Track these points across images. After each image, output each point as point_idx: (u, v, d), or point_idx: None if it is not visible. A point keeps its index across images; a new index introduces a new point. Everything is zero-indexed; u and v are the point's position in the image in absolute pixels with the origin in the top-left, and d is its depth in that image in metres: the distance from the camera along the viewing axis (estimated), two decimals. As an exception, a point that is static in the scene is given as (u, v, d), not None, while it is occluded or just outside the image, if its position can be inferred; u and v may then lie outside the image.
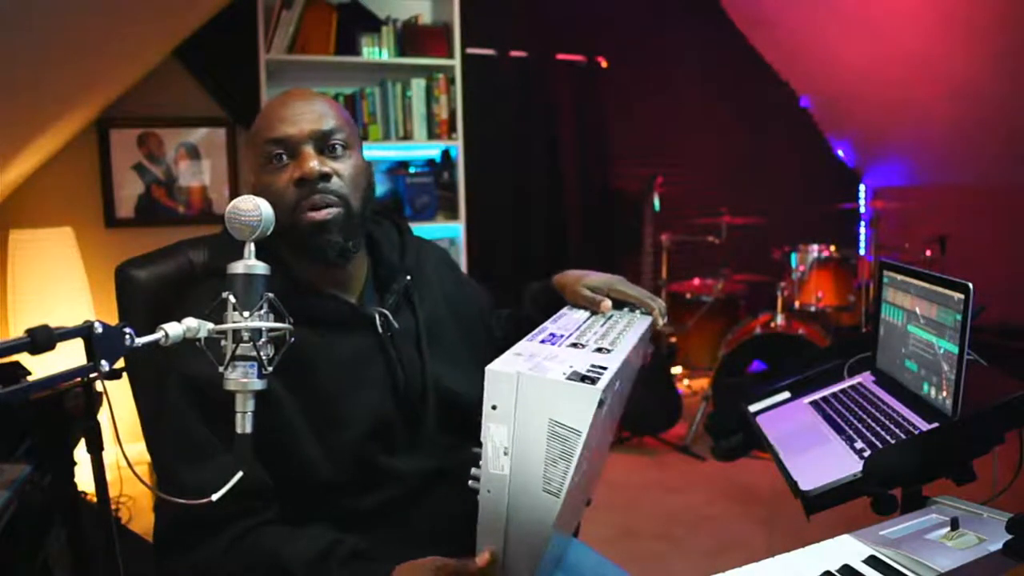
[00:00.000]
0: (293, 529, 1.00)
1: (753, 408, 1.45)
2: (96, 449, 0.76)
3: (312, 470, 1.03)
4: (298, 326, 0.92)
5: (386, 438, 1.09)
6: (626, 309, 1.24)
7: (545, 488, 0.87)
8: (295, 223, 1.04)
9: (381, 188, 3.52)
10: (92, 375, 0.72)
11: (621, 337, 1.04)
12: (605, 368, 0.87)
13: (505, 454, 0.88)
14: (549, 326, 1.06)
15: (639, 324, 1.15)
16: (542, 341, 0.98)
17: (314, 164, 1.04)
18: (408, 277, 1.18)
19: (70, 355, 0.73)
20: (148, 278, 1.21)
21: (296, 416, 1.03)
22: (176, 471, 0.98)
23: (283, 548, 0.95)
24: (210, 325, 0.80)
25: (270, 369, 0.82)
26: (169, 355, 0.87)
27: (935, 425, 1.12)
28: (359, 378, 1.08)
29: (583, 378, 0.83)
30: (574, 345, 0.97)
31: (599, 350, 0.96)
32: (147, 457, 1.19)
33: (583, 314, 1.16)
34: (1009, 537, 0.81)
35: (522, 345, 0.95)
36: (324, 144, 1.07)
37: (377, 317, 1.11)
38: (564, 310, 1.19)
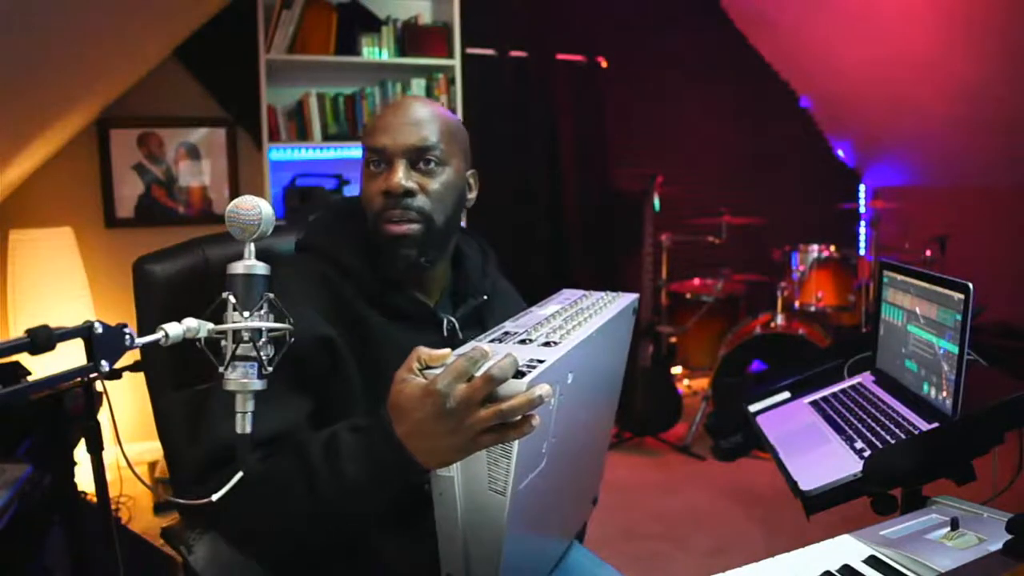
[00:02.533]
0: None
1: (753, 408, 1.45)
2: (96, 449, 0.76)
3: None
4: (379, 316, 1.08)
5: None
6: (602, 294, 1.21)
7: (491, 487, 0.86)
8: (377, 230, 1.11)
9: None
10: (92, 375, 0.72)
11: (579, 328, 1.00)
12: (542, 361, 0.84)
13: None
14: (507, 325, 1.03)
15: (609, 309, 1.11)
16: (491, 340, 0.95)
17: (400, 179, 1.08)
18: (485, 297, 1.24)
19: (70, 355, 0.73)
20: (165, 273, 1.24)
21: (359, 397, 1.08)
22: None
23: (304, 438, 0.97)
24: (210, 325, 0.80)
25: (270, 369, 0.82)
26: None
27: (935, 425, 1.12)
28: None
29: (515, 374, 0.81)
30: (522, 342, 0.94)
31: (546, 344, 0.92)
32: (147, 457, 1.20)
33: (551, 308, 1.12)
34: (1009, 537, 0.81)
35: (468, 346, 0.92)
36: (419, 158, 1.10)
37: (445, 322, 1.16)
38: (532, 307, 1.15)
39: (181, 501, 0.84)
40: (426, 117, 1.11)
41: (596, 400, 1.17)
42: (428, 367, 0.86)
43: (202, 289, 1.25)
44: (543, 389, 0.79)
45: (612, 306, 1.13)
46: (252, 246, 0.84)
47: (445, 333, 1.16)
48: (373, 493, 0.89)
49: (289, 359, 0.85)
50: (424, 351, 0.87)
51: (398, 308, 1.13)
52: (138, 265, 1.24)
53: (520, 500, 0.88)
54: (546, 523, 1.12)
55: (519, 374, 0.81)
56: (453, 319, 1.17)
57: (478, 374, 0.80)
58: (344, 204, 1.23)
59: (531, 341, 0.94)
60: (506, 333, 0.99)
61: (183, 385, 1.23)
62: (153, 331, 0.75)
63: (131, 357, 0.91)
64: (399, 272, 1.12)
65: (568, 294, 1.24)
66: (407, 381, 0.85)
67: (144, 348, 0.75)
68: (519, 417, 0.80)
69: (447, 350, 0.87)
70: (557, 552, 1.24)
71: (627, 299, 1.19)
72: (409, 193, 1.09)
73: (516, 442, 0.83)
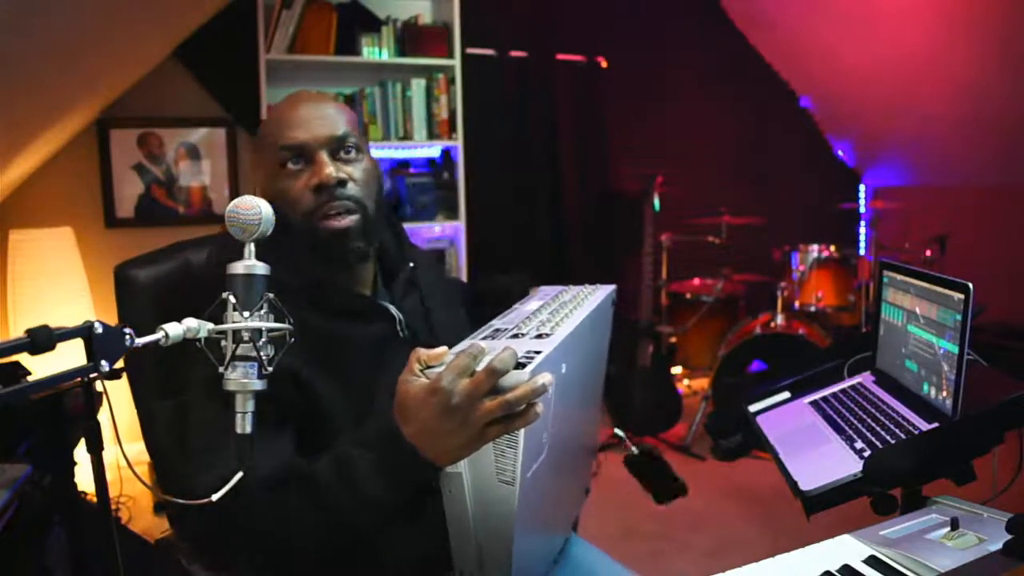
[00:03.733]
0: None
1: (753, 408, 1.45)
2: (96, 449, 0.76)
3: None
4: (326, 321, 1.03)
5: None
6: (580, 287, 1.24)
7: (500, 479, 0.87)
8: (313, 229, 1.06)
9: (381, 188, 3.52)
10: (92, 375, 0.72)
11: (566, 319, 1.03)
12: (539, 352, 0.87)
13: None
14: (495, 323, 1.05)
15: (590, 301, 1.15)
16: (483, 338, 0.97)
17: (331, 171, 1.05)
18: (411, 264, 1.23)
19: (70, 355, 0.73)
20: (148, 278, 1.22)
21: (335, 405, 1.05)
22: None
23: (306, 464, 0.95)
24: (210, 325, 0.80)
25: (270, 369, 0.82)
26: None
27: (935, 425, 1.12)
28: (384, 364, 1.11)
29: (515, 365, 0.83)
30: (514, 336, 0.96)
31: (539, 336, 0.95)
32: (147, 457, 1.19)
33: (534, 304, 1.14)
34: (1009, 537, 0.81)
35: (465, 343, 0.94)
36: (338, 149, 1.08)
37: (394, 314, 1.15)
38: (516, 305, 1.17)
39: (180, 501, 0.84)
40: (332, 109, 1.10)
41: (586, 389, 1.19)
42: (429, 367, 0.86)
43: (186, 294, 1.22)
44: (545, 378, 0.81)
45: (593, 297, 1.17)
46: (252, 246, 0.84)
47: (395, 318, 1.15)
48: (391, 501, 0.89)
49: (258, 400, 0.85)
50: (423, 352, 0.87)
51: (344, 307, 1.10)
52: (120, 271, 1.21)
53: (528, 489, 0.90)
54: (549, 514, 1.13)
55: (519, 365, 0.83)
56: (395, 308, 1.15)
57: (479, 368, 0.82)
58: None
59: (523, 335, 0.96)
60: (496, 330, 1.00)
61: (169, 393, 1.20)
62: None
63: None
64: (349, 265, 1.10)
65: (547, 290, 1.27)
66: (410, 383, 0.85)
67: (129, 354, 0.74)
68: (523, 407, 0.81)
69: (444, 348, 0.88)
70: (558, 543, 1.25)
71: (605, 290, 1.24)
72: (342, 183, 1.06)
73: (522, 432, 0.84)
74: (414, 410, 0.84)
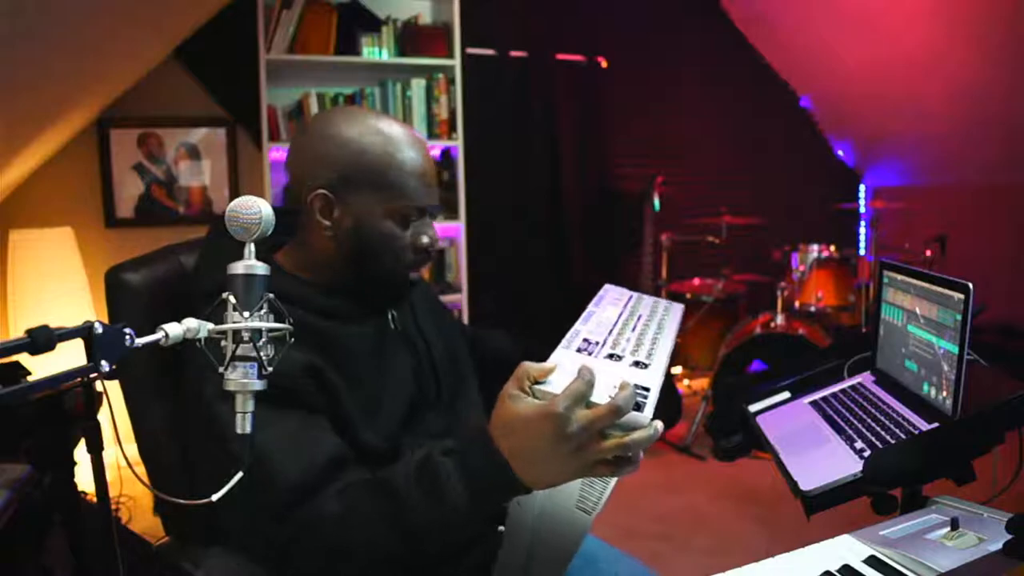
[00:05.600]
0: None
1: (753, 408, 1.45)
2: (96, 449, 0.76)
3: (368, 455, 1.05)
4: (320, 320, 1.06)
5: (415, 418, 1.14)
6: (651, 300, 1.21)
7: (579, 506, 0.87)
8: (395, 273, 1.12)
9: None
10: (92, 375, 0.72)
11: (656, 346, 1.00)
12: (648, 390, 0.84)
13: None
14: (581, 328, 1.02)
15: (670, 324, 1.11)
16: (578, 350, 0.94)
17: (436, 236, 1.15)
18: None
19: (70, 355, 0.73)
20: (140, 282, 1.20)
21: (347, 397, 1.06)
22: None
23: (382, 474, 0.94)
24: (210, 325, 0.80)
25: (270, 369, 0.82)
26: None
27: (935, 425, 1.12)
28: (387, 365, 1.14)
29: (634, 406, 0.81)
30: (610, 356, 0.93)
31: (635, 363, 0.92)
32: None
33: (611, 312, 1.12)
34: (1009, 537, 0.81)
35: (559, 353, 0.91)
36: (437, 213, 1.16)
37: (389, 313, 1.19)
38: (591, 306, 1.14)
39: (180, 501, 0.84)
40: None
41: None
42: (537, 382, 0.84)
43: (179, 297, 1.22)
44: (660, 425, 0.79)
45: (672, 319, 1.14)
46: (252, 246, 0.84)
47: (390, 319, 1.19)
48: (473, 515, 0.86)
49: (285, 393, 0.86)
50: (531, 366, 0.85)
51: (347, 311, 1.12)
52: (111, 274, 1.20)
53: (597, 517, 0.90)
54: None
55: (636, 408, 0.80)
56: (391, 311, 1.20)
57: (595, 399, 0.80)
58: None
59: (619, 357, 0.92)
60: (586, 341, 0.97)
61: (165, 396, 1.20)
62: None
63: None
64: (399, 303, 1.18)
65: (615, 292, 1.23)
66: (518, 399, 0.82)
67: (124, 358, 0.74)
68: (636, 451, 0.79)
69: (553, 364, 0.85)
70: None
71: (679, 310, 1.21)
72: (436, 247, 1.15)
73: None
74: (520, 430, 0.81)
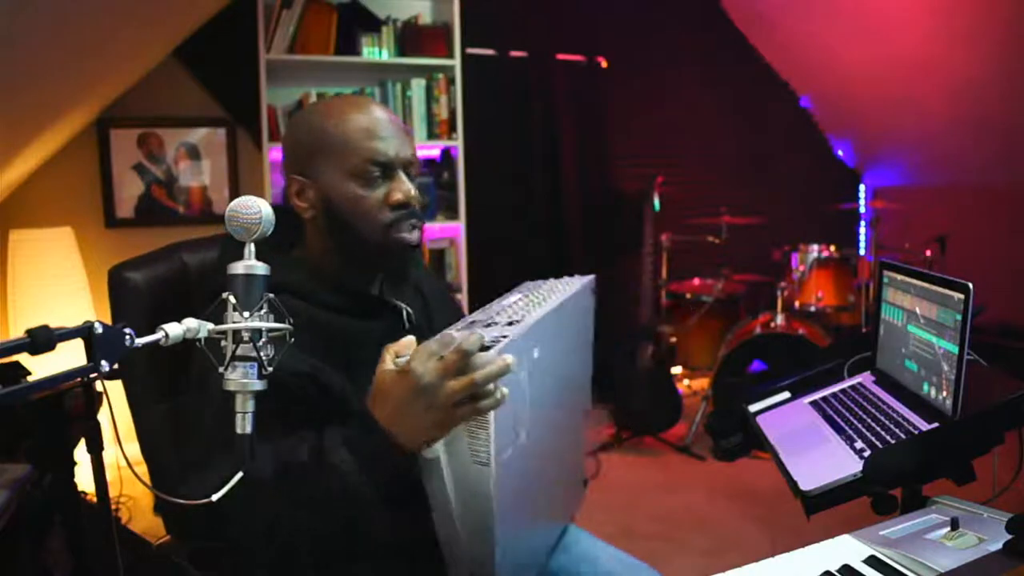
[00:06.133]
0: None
1: (753, 408, 1.45)
2: (96, 449, 0.76)
3: None
4: (333, 316, 1.08)
5: None
6: (564, 279, 1.26)
7: (475, 460, 0.90)
8: (385, 241, 1.11)
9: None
10: (92, 375, 0.72)
11: (537, 307, 1.07)
12: (505, 337, 0.91)
13: None
14: (471, 316, 1.08)
15: (566, 290, 1.18)
16: (458, 330, 0.99)
17: (412, 190, 1.12)
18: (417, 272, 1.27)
19: (70, 355, 0.73)
20: (143, 280, 1.21)
21: (350, 397, 1.06)
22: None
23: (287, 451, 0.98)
24: (210, 325, 0.80)
25: (270, 369, 0.82)
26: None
27: (935, 425, 1.12)
28: None
29: (481, 349, 0.87)
30: (487, 325, 0.99)
31: (509, 323, 0.99)
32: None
33: (513, 297, 1.17)
34: (1009, 537, 0.81)
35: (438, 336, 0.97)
36: (410, 169, 1.14)
37: (403, 310, 1.19)
38: (494, 301, 1.19)
39: (180, 501, 0.84)
40: (406, 128, 1.15)
41: (569, 376, 1.21)
42: (399, 356, 0.92)
43: (181, 295, 1.23)
44: (509, 358, 0.86)
45: (569, 286, 1.21)
46: (252, 246, 0.84)
47: (405, 316, 1.19)
48: (363, 481, 0.91)
49: (277, 401, 0.87)
50: (393, 345, 0.93)
51: (362, 308, 1.13)
52: (114, 273, 1.20)
53: (506, 472, 0.92)
54: (538, 500, 1.14)
55: (485, 349, 0.87)
56: (405, 305, 1.20)
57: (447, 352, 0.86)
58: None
59: (496, 323, 1.00)
60: (472, 322, 1.04)
61: (166, 396, 1.21)
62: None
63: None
64: (405, 278, 1.17)
65: (529, 285, 1.29)
66: (384, 371, 0.91)
67: (124, 358, 0.74)
68: (491, 387, 0.86)
69: (411, 338, 0.94)
70: (554, 533, 1.26)
71: (584, 279, 1.27)
72: (418, 203, 1.13)
73: (492, 412, 0.88)
74: (386, 394, 0.89)
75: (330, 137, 1.10)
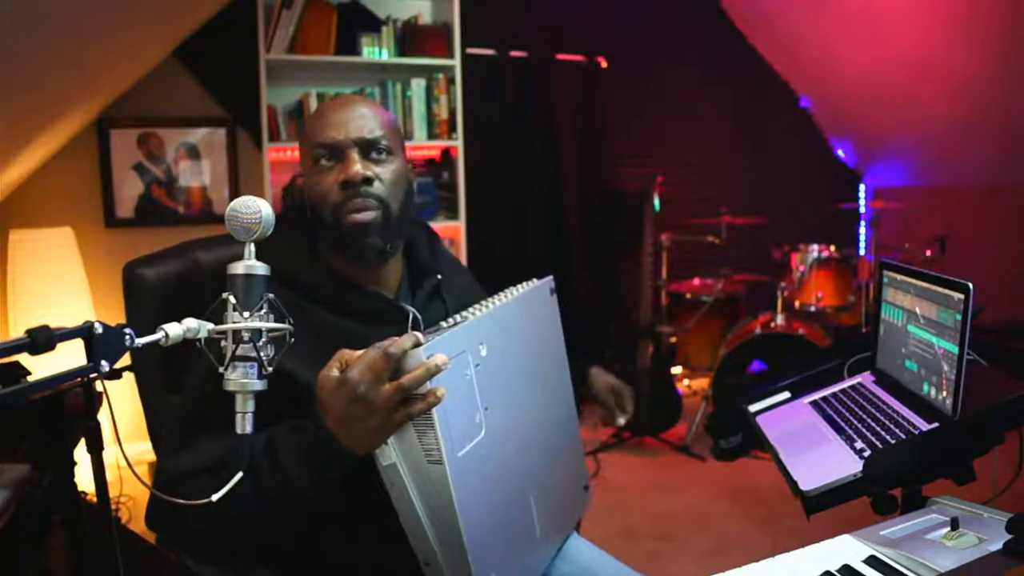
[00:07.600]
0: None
1: (753, 408, 1.45)
2: (96, 449, 0.77)
3: None
4: (341, 318, 1.09)
5: None
6: (528, 282, 1.27)
7: (429, 459, 0.91)
8: (338, 223, 1.11)
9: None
10: (92, 375, 0.72)
11: (486, 309, 1.09)
12: (440, 334, 0.94)
13: (387, 444, 0.92)
14: (443, 322, 1.09)
15: (521, 291, 1.20)
16: (426, 335, 1.02)
17: (358, 168, 1.10)
18: (439, 277, 1.26)
19: (70, 355, 0.73)
20: (156, 277, 1.23)
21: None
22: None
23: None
24: (210, 325, 0.80)
25: (270, 369, 0.82)
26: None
27: (935, 425, 1.12)
28: None
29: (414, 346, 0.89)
30: (436, 331, 1.02)
31: (454, 325, 1.01)
32: (147, 457, 1.20)
33: (484, 302, 1.18)
34: (1009, 537, 0.81)
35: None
36: (369, 149, 1.13)
37: (411, 313, 1.18)
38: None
39: (181, 501, 0.84)
40: (369, 111, 1.15)
41: (535, 374, 1.20)
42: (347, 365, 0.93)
43: (194, 292, 1.24)
44: (439, 359, 0.89)
45: (524, 288, 1.22)
46: (252, 246, 0.84)
47: (411, 324, 1.18)
48: (312, 483, 0.95)
49: (225, 399, 0.86)
50: (345, 352, 0.94)
51: (362, 308, 1.14)
52: (128, 269, 1.22)
53: (466, 468, 0.93)
54: (526, 510, 1.12)
55: (417, 345, 0.89)
56: (413, 309, 1.19)
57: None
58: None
59: (444, 328, 1.02)
60: (439, 327, 1.05)
61: (177, 389, 1.22)
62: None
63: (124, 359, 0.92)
64: (367, 263, 1.15)
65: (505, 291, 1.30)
66: (326, 378, 0.93)
67: (136, 351, 0.75)
68: (423, 389, 0.88)
69: (365, 350, 0.93)
70: (555, 544, 1.24)
71: (541, 281, 1.28)
72: (367, 181, 1.11)
73: (435, 411, 0.89)
74: (329, 402, 0.92)
75: (303, 135, 1.17)
